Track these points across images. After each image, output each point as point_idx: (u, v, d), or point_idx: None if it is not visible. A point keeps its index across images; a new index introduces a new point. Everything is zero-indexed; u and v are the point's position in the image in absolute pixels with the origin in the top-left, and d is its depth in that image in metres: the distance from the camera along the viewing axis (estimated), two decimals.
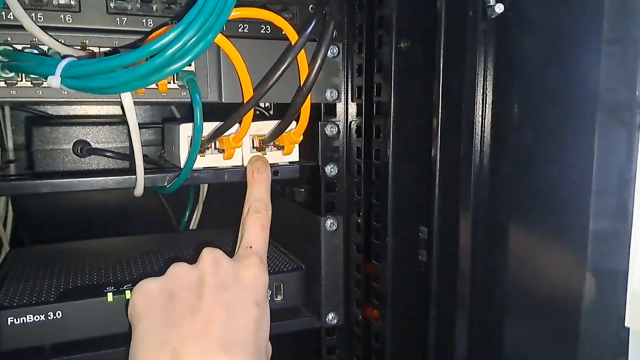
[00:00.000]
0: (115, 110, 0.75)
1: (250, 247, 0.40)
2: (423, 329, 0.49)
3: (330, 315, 0.54)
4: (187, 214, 0.80)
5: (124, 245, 0.66)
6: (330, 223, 0.53)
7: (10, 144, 0.71)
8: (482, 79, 0.42)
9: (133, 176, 0.46)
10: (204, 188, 0.82)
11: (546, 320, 0.39)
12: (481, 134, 0.44)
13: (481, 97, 0.42)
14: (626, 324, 0.34)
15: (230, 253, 0.41)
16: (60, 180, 0.44)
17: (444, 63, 0.43)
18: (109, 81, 0.33)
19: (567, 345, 0.37)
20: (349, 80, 0.51)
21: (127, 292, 0.48)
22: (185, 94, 0.45)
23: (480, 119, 0.43)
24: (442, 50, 0.43)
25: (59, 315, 0.46)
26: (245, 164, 0.50)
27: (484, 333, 0.45)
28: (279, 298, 0.54)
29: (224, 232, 0.71)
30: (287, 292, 0.54)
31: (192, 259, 0.53)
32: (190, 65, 0.45)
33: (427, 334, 0.48)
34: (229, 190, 0.83)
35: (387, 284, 0.48)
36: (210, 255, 0.38)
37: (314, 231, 0.54)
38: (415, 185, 0.47)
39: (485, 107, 0.43)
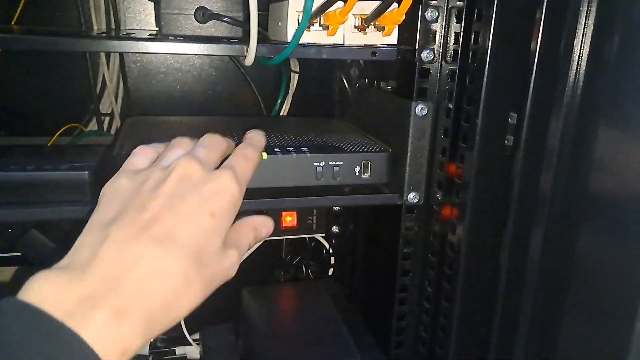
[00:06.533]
0: None
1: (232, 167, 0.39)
2: (501, 215, 0.51)
3: (412, 195, 0.58)
4: (279, 102, 0.85)
5: (224, 122, 0.72)
6: (420, 108, 0.55)
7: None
8: None
9: (245, 45, 0.50)
10: (294, 80, 0.86)
11: (624, 228, 0.41)
12: (585, 21, 0.44)
13: None
14: None
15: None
16: (179, 43, 0.49)
17: None
18: None
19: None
20: None
21: None
22: None
23: (586, 4, 0.43)
24: None
25: None
26: (346, 43, 0.52)
27: (561, 227, 0.47)
28: (366, 175, 0.58)
29: (310, 119, 0.76)
30: (374, 170, 0.58)
31: (286, 138, 0.56)
32: None
33: (506, 220, 0.51)
34: (318, 84, 0.87)
35: (472, 164, 0.51)
36: (184, 163, 0.37)
37: (403, 116, 0.57)
38: (511, 71, 0.49)
39: None
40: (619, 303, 0.41)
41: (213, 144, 0.42)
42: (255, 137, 0.46)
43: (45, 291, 0.30)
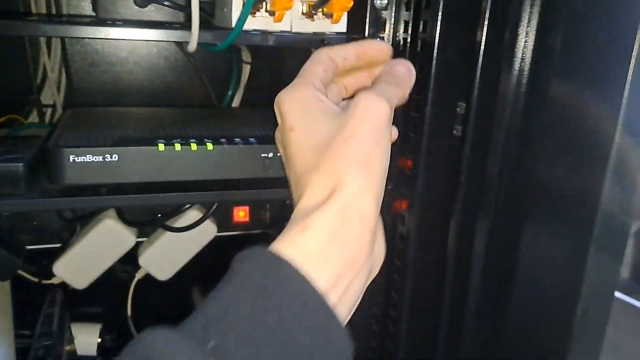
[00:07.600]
0: None
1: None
2: (450, 206, 0.51)
3: None
4: (229, 94, 0.83)
5: (172, 113, 0.69)
6: None
7: None
8: None
9: (188, 31, 0.48)
10: (246, 71, 0.84)
11: (568, 219, 0.41)
12: (530, 10, 0.44)
13: None
14: None
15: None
16: (116, 28, 0.47)
17: None
18: None
19: (581, 237, 0.39)
20: None
21: (177, 145, 0.52)
22: None
23: None
24: None
25: (114, 158, 0.50)
26: (293, 30, 0.51)
27: (507, 218, 0.47)
28: None
29: (261, 111, 0.74)
30: None
31: (234, 129, 0.55)
32: None
33: (454, 205, 0.51)
34: (270, 74, 0.86)
35: (421, 155, 0.51)
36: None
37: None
38: (459, 60, 0.48)
39: None
40: (562, 294, 0.41)
41: None
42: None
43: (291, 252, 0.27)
